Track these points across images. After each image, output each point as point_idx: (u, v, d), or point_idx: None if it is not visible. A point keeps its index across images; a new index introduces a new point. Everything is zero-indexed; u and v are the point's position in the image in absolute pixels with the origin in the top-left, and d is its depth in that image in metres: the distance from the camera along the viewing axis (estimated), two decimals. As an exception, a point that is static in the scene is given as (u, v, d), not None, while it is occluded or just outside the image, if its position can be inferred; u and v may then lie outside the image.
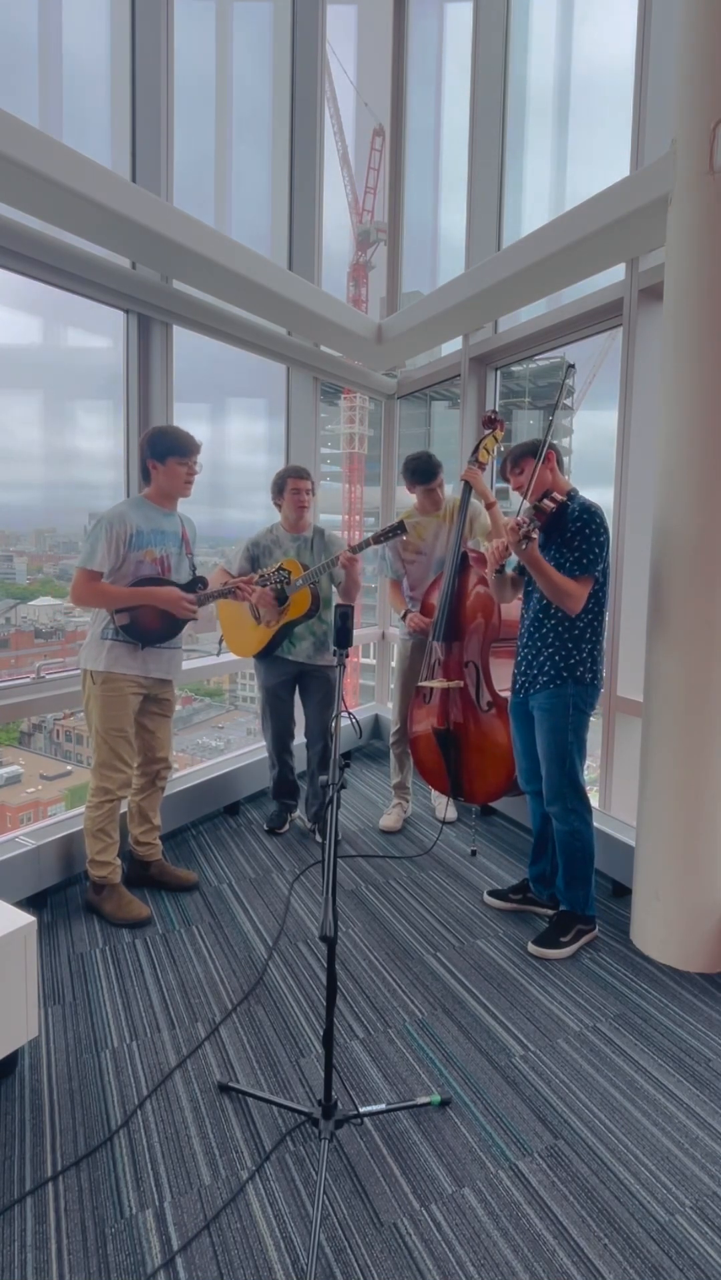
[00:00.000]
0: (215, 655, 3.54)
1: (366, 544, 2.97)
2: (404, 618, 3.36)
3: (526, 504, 2.40)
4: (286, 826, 3.40)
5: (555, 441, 2.45)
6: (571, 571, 2.34)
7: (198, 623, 2.70)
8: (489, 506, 3.20)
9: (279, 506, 3.25)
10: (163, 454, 2.57)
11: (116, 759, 2.56)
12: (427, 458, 3.27)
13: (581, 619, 2.40)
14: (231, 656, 3.42)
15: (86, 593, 2.47)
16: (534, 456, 2.42)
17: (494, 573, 2.55)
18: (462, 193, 4.10)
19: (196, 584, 2.65)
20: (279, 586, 2.87)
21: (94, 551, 2.46)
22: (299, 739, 3.46)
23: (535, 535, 2.23)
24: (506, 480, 2.54)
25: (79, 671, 2.62)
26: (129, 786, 2.66)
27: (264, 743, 3.45)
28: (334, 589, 3.22)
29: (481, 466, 3.12)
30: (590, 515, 2.34)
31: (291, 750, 3.41)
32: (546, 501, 2.30)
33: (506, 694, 2.93)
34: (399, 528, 2.88)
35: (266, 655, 3.23)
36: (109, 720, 2.54)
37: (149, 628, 2.54)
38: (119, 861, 2.65)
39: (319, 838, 3.34)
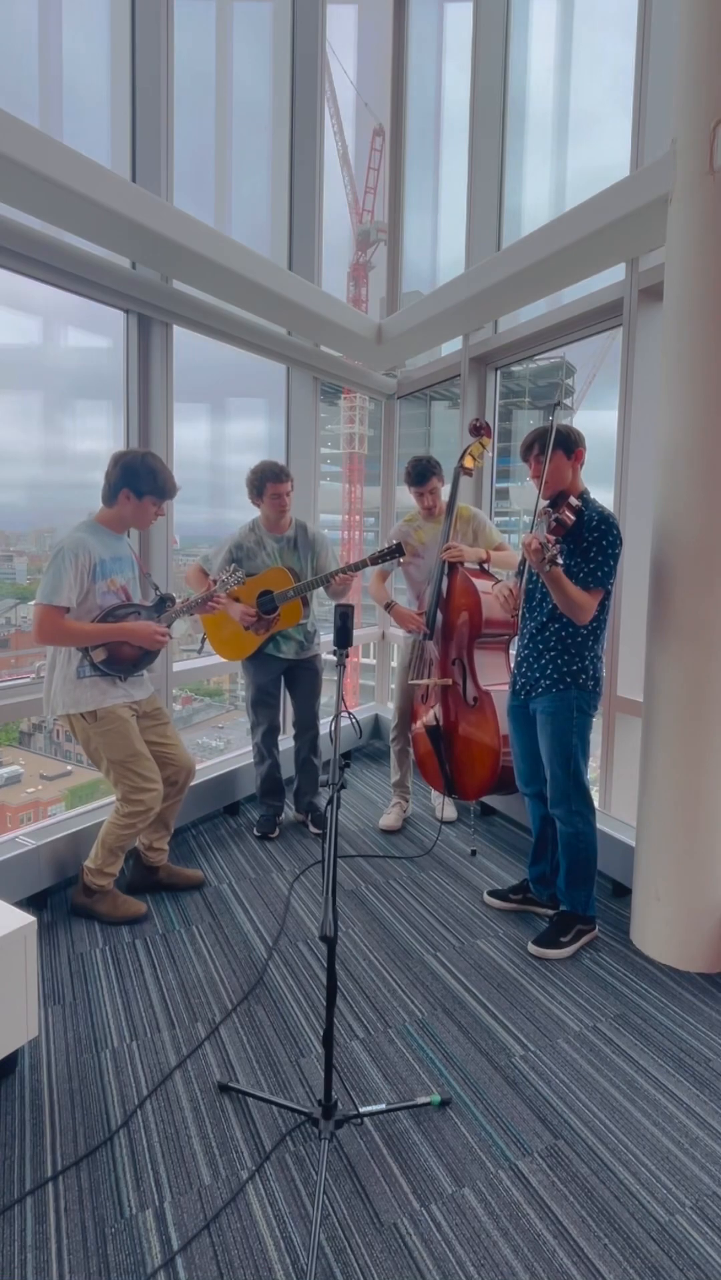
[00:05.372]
0: (198, 651, 3.50)
1: (363, 565, 2.97)
2: (388, 608, 3.36)
3: (543, 503, 2.38)
4: (276, 831, 3.38)
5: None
6: (585, 583, 2.31)
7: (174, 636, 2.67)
8: (484, 561, 3.18)
9: (257, 506, 3.21)
10: (143, 491, 2.46)
11: (142, 780, 2.50)
12: (425, 463, 3.25)
13: (586, 625, 2.39)
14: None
15: (55, 632, 2.31)
16: (563, 449, 2.37)
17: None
18: (463, 193, 4.10)
19: (165, 602, 2.57)
20: (238, 585, 2.78)
21: (59, 585, 2.30)
22: (287, 739, 3.47)
23: (560, 561, 2.16)
24: (524, 460, 2.47)
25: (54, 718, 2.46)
26: (161, 798, 2.58)
27: (251, 740, 3.44)
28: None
29: (467, 473, 3.12)
30: (607, 526, 2.31)
31: (279, 744, 3.42)
32: (566, 514, 2.25)
33: (491, 688, 2.96)
34: (396, 550, 2.90)
35: (255, 655, 3.24)
36: (121, 750, 2.46)
37: (127, 659, 2.46)
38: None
39: (312, 828, 3.35)
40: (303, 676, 3.31)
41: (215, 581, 2.73)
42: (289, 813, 3.55)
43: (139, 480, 2.46)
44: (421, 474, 3.24)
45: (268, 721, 3.33)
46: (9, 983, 1.79)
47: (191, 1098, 1.80)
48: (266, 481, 3.10)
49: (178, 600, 2.61)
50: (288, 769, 3.53)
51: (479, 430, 3.11)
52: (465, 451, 3.09)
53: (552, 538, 2.17)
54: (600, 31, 3.73)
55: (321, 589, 3.10)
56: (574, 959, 2.44)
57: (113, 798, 2.60)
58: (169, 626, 2.54)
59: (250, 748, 3.45)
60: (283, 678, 3.33)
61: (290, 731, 3.50)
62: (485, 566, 3.15)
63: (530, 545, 2.16)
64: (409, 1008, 2.17)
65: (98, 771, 2.56)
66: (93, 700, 2.43)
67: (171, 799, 2.73)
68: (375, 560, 2.94)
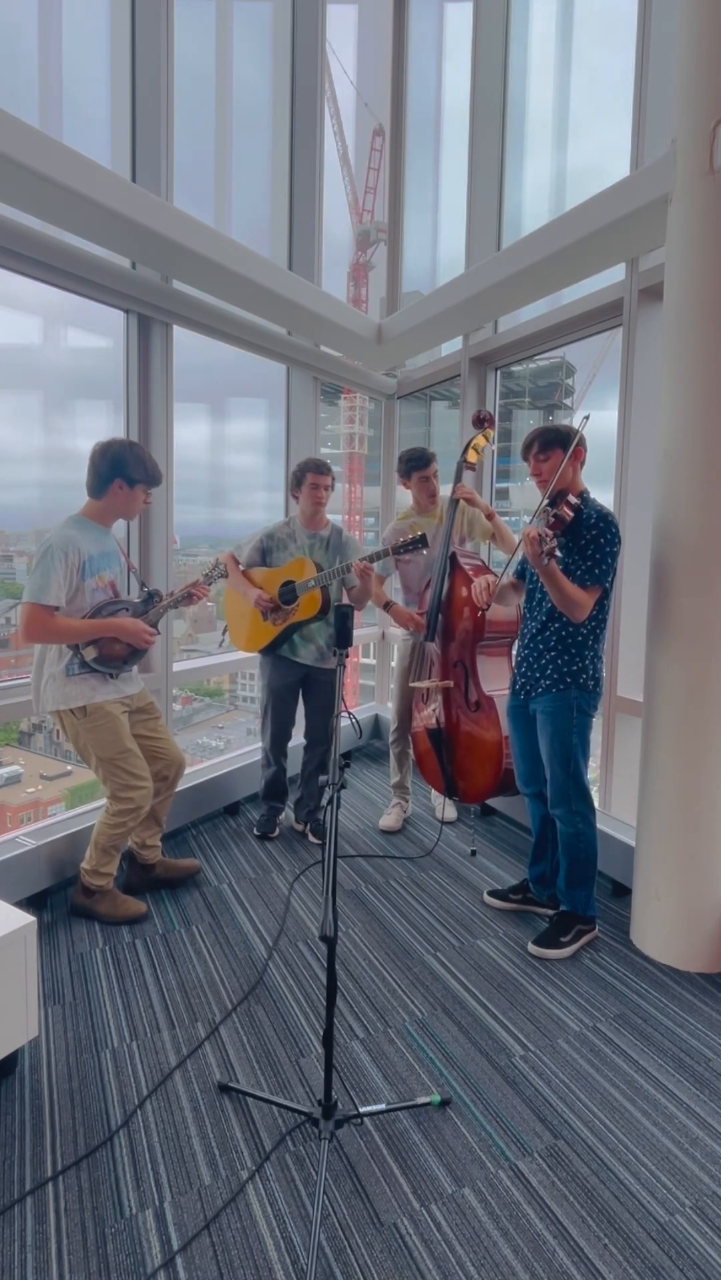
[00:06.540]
0: (220, 645, 3.50)
1: (385, 554, 2.94)
2: (386, 608, 3.34)
3: (543, 501, 2.38)
4: (276, 831, 3.38)
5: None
6: (582, 581, 2.31)
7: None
8: (488, 517, 3.18)
9: (296, 499, 3.21)
10: (135, 480, 2.44)
11: (131, 778, 2.50)
12: (421, 449, 3.29)
13: (586, 625, 2.39)
14: (232, 656, 3.42)
15: (43, 631, 2.29)
16: (563, 448, 2.36)
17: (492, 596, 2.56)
18: (462, 193, 4.10)
19: (153, 598, 2.56)
20: (216, 579, 2.76)
21: (47, 584, 2.27)
22: (295, 739, 3.45)
23: (558, 554, 2.16)
24: (524, 460, 2.47)
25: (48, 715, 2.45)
26: (150, 796, 2.58)
27: (260, 742, 3.44)
28: (344, 593, 3.18)
29: (470, 467, 3.12)
30: (606, 524, 2.31)
31: (287, 752, 3.40)
32: (565, 509, 2.24)
33: (493, 693, 2.94)
34: (420, 541, 2.79)
35: (270, 652, 3.22)
36: (110, 747, 2.46)
37: (117, 656, 2.45)
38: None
39: (312, 838, 3.34)
40: (319, 688, 3.26)
41: (203, 575, 2.73)
42: (288, 814, 3.54)
43: (130, 469, 2.44)
44: (422, 457, 3.25)
45: (275, 728, 3.30)
46: (9, 983, 1.79)
47: (191, 1098, 1.80)
48: (307, 472, 3.12)
49: (164, 596, 2.61)
50: (293, 770, 3.52)
51: (482, 422, 3.10)
52: (468, 444, 3.09)
53: (550, 533, 2.17)
54: (600, 32, 3.73)
55: (342, 591, 3.10)
56: (574, 959, 2.44)
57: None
58: (157, 623, 2.54)
59: (258, 749, 3.44)
60: (300, 687, 3.30)
61: (299, 740, 3.47)
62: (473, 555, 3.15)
63: (529, 536, 2.17)
64: (409, 1008, 2.17)
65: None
66: (83, 696, 2.42)
67: (162, 794, 2.73)
68: (397, 550, 2.87)
